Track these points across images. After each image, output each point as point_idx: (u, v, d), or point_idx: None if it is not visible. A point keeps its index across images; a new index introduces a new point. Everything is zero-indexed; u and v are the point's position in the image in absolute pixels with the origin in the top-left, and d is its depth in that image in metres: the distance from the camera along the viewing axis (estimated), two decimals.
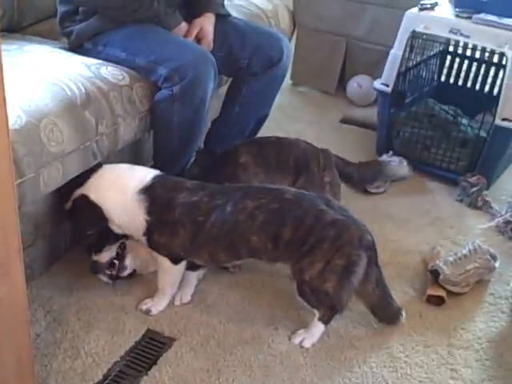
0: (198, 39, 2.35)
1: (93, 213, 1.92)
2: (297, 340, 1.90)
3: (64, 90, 1.93)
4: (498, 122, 2.60)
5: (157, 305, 1.97)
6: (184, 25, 2.33)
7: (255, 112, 2.59)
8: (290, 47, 2.55)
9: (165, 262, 1.93)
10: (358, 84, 3.53)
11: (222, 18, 2.45)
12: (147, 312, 1.96)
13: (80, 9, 2.26)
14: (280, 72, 2.49)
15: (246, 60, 2.42)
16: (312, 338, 1.91)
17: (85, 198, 1.92)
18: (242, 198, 1.88)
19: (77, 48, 2.27)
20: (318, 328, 1.91)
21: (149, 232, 1.89)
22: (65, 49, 2.29)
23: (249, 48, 2.41)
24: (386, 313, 1.96)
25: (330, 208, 1.86)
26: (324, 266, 1.81)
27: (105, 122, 2.01)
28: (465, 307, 2.10)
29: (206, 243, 1.89)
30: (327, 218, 1.83)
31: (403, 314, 1.95)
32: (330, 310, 1.90)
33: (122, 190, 1.92)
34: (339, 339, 1.93)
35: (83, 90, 1.98)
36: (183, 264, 1.95)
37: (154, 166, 2.31)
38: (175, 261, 1.93)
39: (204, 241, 1.89)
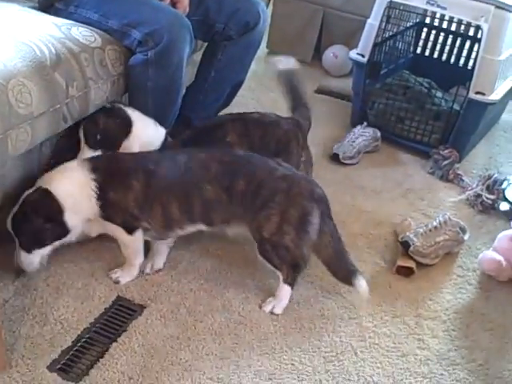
0: (174, 2, 2.29)
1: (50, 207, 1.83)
2: (267, 308, 1.91)
3: (33, 51, 1.86)
4: (471, 95, 2.61)
5: (125, 275, 1.96)
6: None
7: (230, 78, 2.56)
8: (266, 12, 2.50)
9: (121, 235, 1.91)
10: (333, 54, 3.52)
11: None
12: (116, 282, 1.94)
13: None
14: (256, 37, 2.45)
15: (222, 24, 2.38)
16: (281, 302, 1.92)
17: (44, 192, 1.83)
18: (194, 151, 1.95)
19: (47, 8, 2.20)
20: (285, 291, 1.92)
21: (101, 194, 1.84)
22: (34, 8, 2.22)
23: (225, 12, 2.37)
24: (342, 269, 1.93)
25: (280, 166, 1.92)
26: (280, 219, 1.84)
27: (75, 84, 1.96)
28: (433, 279, 2.13)
29: (159, 194, 1.87)
30: (278, 173, 1.89)
31: (360, 277, 1.89)
32: (292, 269, 1.90)
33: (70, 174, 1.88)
34: (309, 309, 1.94)
35: (53, 50, 1.92)
36: (139, 232, 1.92)
37: None
38: (130, 230, 1.90)
39: (157, 192, 1.87)
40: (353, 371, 1.76)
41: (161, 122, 2.29)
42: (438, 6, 2.64)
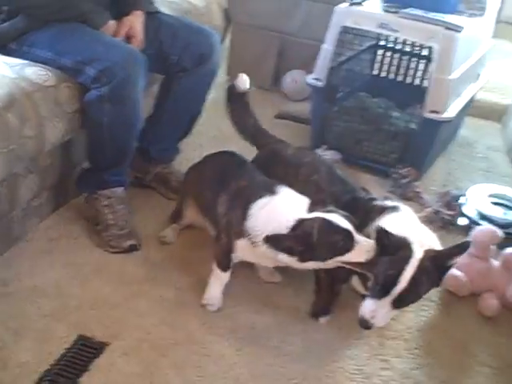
0: (128, 38, 2.32)
1: None
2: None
3: None
4: (425, 114, 2.66)
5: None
6: (112, 23, 2.29)
7: (188, 109, 2.57)
8: (220, 43, 2.53)
9: None
10: (292, 79, 3.56)
11: (152, 16, 2.42)
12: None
13: (3, 8, 2.20)
14: (211, 68, 2.48)
15: (176, 56, 2.40)
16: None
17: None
18: None
19: (0, 49, 2.21)
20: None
21: None
22: None
23: (179, 44, 2.39)
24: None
25: None
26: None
27: (29, 124, 1.97)
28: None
29: None
30: None
31: None
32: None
33: None
34: (271, 337, 1.94)
35: (6, 91, 1.93)
36: None
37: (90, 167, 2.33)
38: None
39: None
40: None
41: (120, 157, 2.30)
42: (391, 29, 2.69)
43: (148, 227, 2.36)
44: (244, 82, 2.26)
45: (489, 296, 2.13)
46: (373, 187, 2.77)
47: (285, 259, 1.76)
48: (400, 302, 1.71)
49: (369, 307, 1.72)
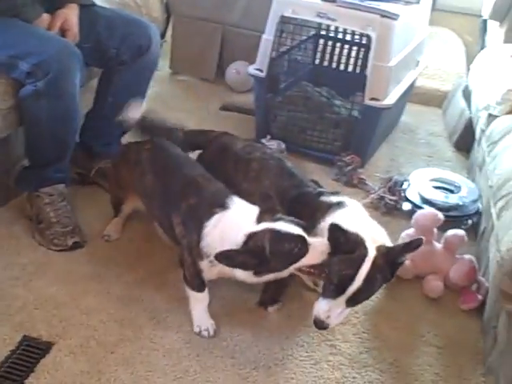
0: (63, 31, 2.26)
1: None
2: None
3: None
4: (366, 101, 2.69)
5: None
6: (46, 17, 2.23)
7: (128, 102, 2.53)
8: (158, 35, 2.50)
9: None
10: (236, 70, 3.55)
11: (87, 8, 2.37)
12: None
13: None
14: (150, 60, 2.45)
15: (115, 49, 2.37)
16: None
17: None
18: None
19: None
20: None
21: None
22: None
23: (116, 37, 2.36)
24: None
25: None
26: None
27: None
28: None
29: None
30: None
31: None
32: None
33: None
34: (220, 328, 1.93)
35: None
36: None
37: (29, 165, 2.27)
38: None
39: None
40: None
41: (60, 153, 2.26)
42: (328, 18, 2.71)
43: (93, 223, 2.32)
44: (135, 108, 2.15)
45: (433, 278, 2.17)
46: (318, 176, 2.80)
47: (241, 275, 1.73)
48: (354, 301, 1.72)
49: (323, 307, 1.71)
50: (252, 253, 1.66)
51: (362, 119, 2.74)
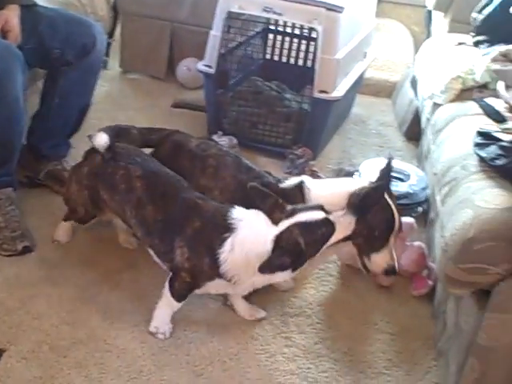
0: (4, 33, 2.22)
1: None
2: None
3: None
4: (315, 94, 2.71)
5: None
6: None
7: (76, 102, 2.50)
8: (102, 34, 2.47)
9: None
10: (186, 67, 3.54)
11: (29, 8, 2.33)
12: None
13: None
14: (96, 59, 2.43)
15: (58, 50, 2.33)
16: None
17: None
18: None
19: None
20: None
21: None
22: None
23: (60, 37, 2.32)
24: None
25: None
26: None
27: None
28: (296, 275, 2.17)
29: None
30: None
31: None
32: None
33: None
34: (175, 326, 1.92)
35: None
36: None
37: None
38: None
39: None
40: (223, 381, 1.77)
41: (6, 156, 2.22)
42: (274, 12, 2.72)
43: (43, 227, 2.29)
44: (101, 138, 2.01)
45: None
46: (271, 169, 2.79)
47: (281, 277, 1.77)
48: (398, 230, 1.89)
49: (388, 255, 1.86)
50: (289, 252, 1.68)
51: (311, 112, 2.76)
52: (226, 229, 1.75)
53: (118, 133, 2.11)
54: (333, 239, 1.72)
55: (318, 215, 1.71)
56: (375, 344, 1.95)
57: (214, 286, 1.83)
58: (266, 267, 1.67)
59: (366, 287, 2.18)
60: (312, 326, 1.99)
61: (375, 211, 1.83)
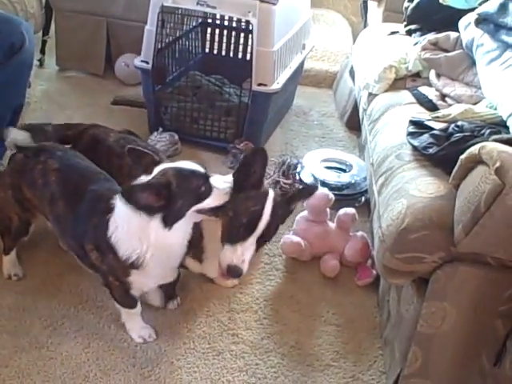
0: None
1: None
2: None
3: None
4: (254, 87, 2.70)
5: None
6: None
7: (8, 102, 2.42)
8: (31, 31, 2.40)
9: None
10: (125, 63, 3.48)
11: None
12: None
13: None
14: (26, 57, 2.35)
15: None
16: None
17: None
18: None
19: None
20: None
21: None
22: None
23: None
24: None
25: None
26: None
27: None
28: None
29: None
30: None
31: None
32: None
33: None
34: (119, 330, 1.90)
35: None
36: None
37: None
38: None
39: None
40: (170, 381, 1.75)
41: None
42: (208, 5, 2.68)
43: None
44: (18, 135, 1.96)
45: (329, 257, 2.22)
46: (214, 165, 2.80)
47: (173, 242, 1.67)
48: (262, 239, 1.74)
49: (235, 252, 1.69)
50: (157, 188, 1.55)
51: (251, 105, 2.74)
52: (109, 210, 1.68)
53: (30, 131, 2.01)
54: (206, 202, 1.63)
55: (198, 168, 1.64)
56: (322, 336, 1.97)
57: (139, 281, 1.74)
58: (131, 193, 1.54)
59: (312, 280, 2.19)
60: (259, 322, 1.99)
61: (248, 198, 1.71)
